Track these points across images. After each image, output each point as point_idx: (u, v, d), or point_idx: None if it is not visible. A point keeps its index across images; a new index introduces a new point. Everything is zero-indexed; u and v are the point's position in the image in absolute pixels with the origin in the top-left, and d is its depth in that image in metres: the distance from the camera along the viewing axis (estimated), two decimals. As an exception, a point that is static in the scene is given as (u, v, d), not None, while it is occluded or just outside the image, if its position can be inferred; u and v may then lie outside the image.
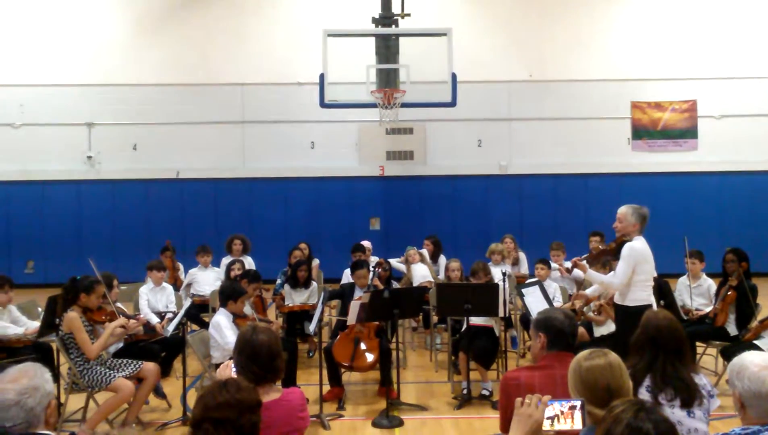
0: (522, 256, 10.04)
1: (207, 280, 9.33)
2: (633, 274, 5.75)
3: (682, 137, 15.75)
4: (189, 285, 9.32)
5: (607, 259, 6.19)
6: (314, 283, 8.83)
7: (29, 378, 2.67)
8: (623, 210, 5.94)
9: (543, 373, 3.49)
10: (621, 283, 5.80)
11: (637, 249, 5.78)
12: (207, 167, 15.52)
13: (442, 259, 9.96)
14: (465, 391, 6.75)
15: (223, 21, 15.61)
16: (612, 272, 6.21)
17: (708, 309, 7.40)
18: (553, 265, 8.35)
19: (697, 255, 7.81)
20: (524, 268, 9.88)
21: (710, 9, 15.67)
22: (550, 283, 8.02)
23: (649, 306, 5.69)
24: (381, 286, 7.60)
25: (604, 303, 6.93)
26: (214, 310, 7.51)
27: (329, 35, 10.88)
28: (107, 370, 5.81)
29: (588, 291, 7.33)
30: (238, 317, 6.34)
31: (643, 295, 5.79)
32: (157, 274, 8.15)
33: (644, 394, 3.57)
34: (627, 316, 5.74)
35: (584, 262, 6.05)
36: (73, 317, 5.76)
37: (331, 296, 7.86)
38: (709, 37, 15.62)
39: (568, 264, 6.42)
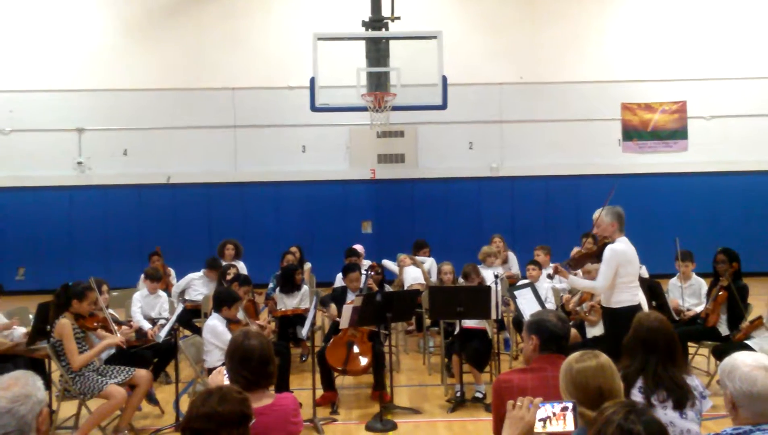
0: (511, 255, 10.01)
1: (204, 286, 9.24)
2: (616, 276, 5.67)
3: (672, 138, 15.82)
4: (183, 290, 9.25)
5: (589, 262, 6.14)
6: (306, 287, 8.79)
7: (21, 386, 2.64)
8: (596, 214, 5.89)
9: (535, 376, 3.50)
10: (604, 287, 5.74)
11: (618, 251, 5.70)
12: (198, 172, 15.49)
13: (432, 261, 9.94)
14: (458, 394, 6.76)
15: (214, 25, 15.57)
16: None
17: (699, 309, 7.44)
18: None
19: (689, 257, 7.87)
20: (515, 268, 9.88)
21: (699, 10, 15.75)
22: (541, 285, 8.02)
23: (637, 306, 5.66)
24: (375, 289, 7.59)
25: (596, 303, 6.93)
26: (206, 316, 7.48)
27: (319, 39, 10.90)
28: (99, 377, 5.79)
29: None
30: (231, 322, 6.33)
31: (627, 296, 5.71)
32: (152, 284, 8.12)
33: (637, 396, 3.59)
34: (613, 318, 5.73)
35: (566, 267, 6.02)
36: (64, 324, 5.73)
37: (324, 302, 7.82)
38: (698, 38, 15.70)
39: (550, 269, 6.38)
